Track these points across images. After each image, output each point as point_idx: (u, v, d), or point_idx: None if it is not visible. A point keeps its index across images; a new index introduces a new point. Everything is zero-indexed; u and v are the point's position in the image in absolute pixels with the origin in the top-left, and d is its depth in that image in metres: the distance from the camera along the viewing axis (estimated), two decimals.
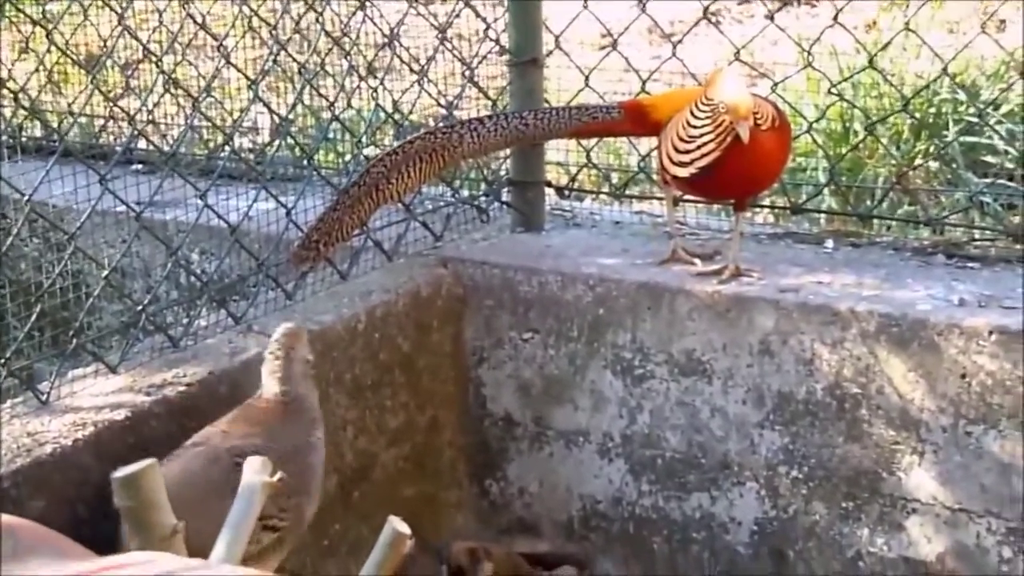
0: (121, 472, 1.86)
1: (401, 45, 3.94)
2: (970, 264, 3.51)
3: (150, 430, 2.93)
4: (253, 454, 2.50)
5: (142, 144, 4.49)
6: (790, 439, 3.34)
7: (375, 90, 3.95)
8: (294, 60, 3.97)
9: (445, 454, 3.70)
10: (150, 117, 4.48)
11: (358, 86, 3.98)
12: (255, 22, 4.02)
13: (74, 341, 3.11)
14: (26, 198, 3.00)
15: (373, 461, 3.48)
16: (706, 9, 3.85)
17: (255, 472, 2.07)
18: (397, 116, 3.97)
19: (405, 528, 1.86)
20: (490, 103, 4.00)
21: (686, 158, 3.30)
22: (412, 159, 3.38)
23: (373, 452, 3.48)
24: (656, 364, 3.47)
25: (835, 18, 3.70)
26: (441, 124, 3.77)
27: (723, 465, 3.43)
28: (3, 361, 2.97)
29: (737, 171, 3.28)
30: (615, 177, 4.12)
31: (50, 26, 3.64)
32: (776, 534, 3.40)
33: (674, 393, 3.46)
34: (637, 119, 3.53)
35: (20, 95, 4.26)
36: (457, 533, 3.70)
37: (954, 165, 4.63)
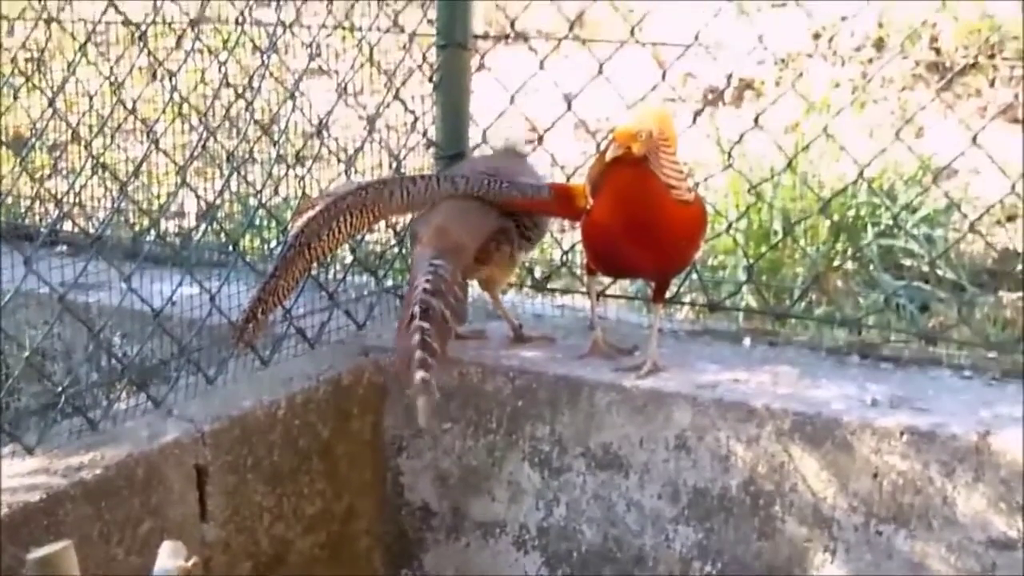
0: (37, 552, 1.86)
1: (329, 135, 3.98)
2: (883, 365, 3.56)
3: (65, 512, 2.92)
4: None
5: (68, 226, 4.49)
6: (704, 535, 3.37)
7: (302, 178, 3.98)
8: (222, 147, 3.99)
9: (362, 542, 3.70)
10: (77, 199, 4.48)
11: (286, 174, 4.01)
12: (185, 108, 4.04)
13: None
14: None
15: (289, 548, 3.47)
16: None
17: (169, 557, 2.08)
18: None
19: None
20: None
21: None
22: (343, 214, 3.43)
23: (289, 539, 3.47)
24: (574, 457, 3.49)
25: (756, 120, 3.78)
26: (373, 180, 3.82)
27: (638, 559, 3.45)
28: None
29: (616, 199, 3.38)
30: (537, 270, 4.16)
31: None
32: None
33: (591, 486, 3.48)
34: (564, 202, 3.58)
35: None
36: None
37: (871, 267, 4.71)
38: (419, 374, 3.08)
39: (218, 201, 4.02)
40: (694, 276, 3.97)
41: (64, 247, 4.42)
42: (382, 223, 3.87)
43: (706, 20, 3.72)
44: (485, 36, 4.62)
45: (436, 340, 3.13)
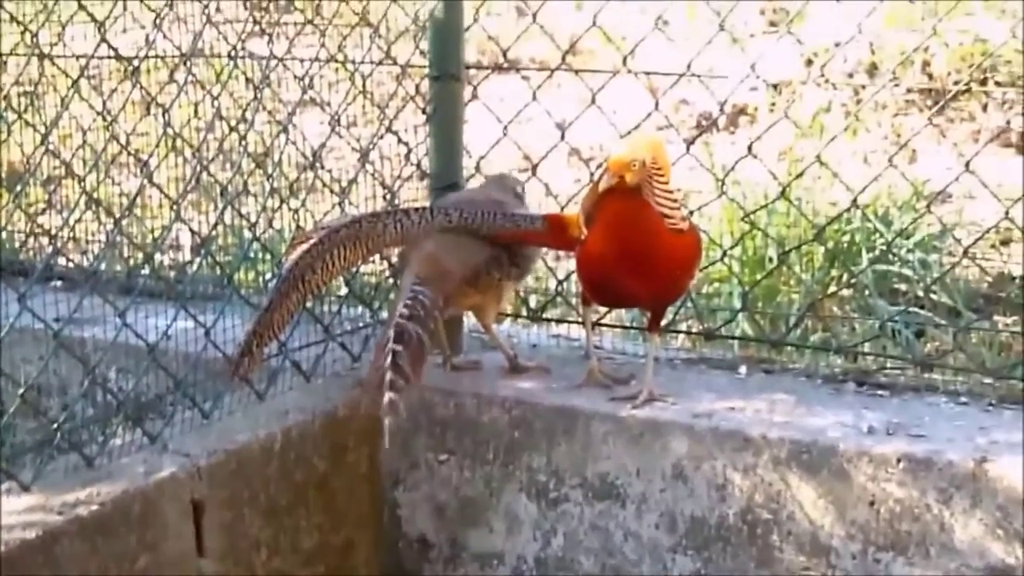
0: None
1: (323, 167, 3.98)
2: (879, 392, 3.57)
3: (62, 549, 2.91)
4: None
5: (62, 261, 4.48)
6: (702, 564, 3.36)
7: (296, 211, 3.98)
8: (216, 180, 3.99)
9: (360, 575, 3.69)
10: (71, 234, 4.48)
11: (280, 206, 4.00)
12: (178, 141, 4.04)
13: None
14: None
15: None
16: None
17: None
18: None
19: None
20: None
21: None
22: (337, 247, 3.44)
23: (286, 573, 3.46)
24: (571, 487, 3.49)
25: (749, 148, 3.78)
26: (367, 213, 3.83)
27: None
28: None
29: (610, 228, 3.39)
30: (533, 300, 4.16)
31: None
32: None
33: (588, 517, 3.48)
34: (558, 232, 3.58)
35: None
36: None
37: (866, 292, 4.71)
38: (388, 395, 3.10)
39: (212, 234, 4.02)
40: (689, 304, 3.98)
41: (59, 282, 4.40)
42: (377, 255, 3.87)
43: (699, 48, 3.73)
44: (478, 66, 4.64)
45: (408, 364, 3.15)
